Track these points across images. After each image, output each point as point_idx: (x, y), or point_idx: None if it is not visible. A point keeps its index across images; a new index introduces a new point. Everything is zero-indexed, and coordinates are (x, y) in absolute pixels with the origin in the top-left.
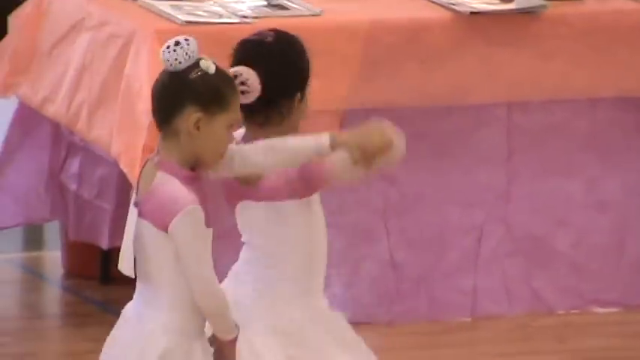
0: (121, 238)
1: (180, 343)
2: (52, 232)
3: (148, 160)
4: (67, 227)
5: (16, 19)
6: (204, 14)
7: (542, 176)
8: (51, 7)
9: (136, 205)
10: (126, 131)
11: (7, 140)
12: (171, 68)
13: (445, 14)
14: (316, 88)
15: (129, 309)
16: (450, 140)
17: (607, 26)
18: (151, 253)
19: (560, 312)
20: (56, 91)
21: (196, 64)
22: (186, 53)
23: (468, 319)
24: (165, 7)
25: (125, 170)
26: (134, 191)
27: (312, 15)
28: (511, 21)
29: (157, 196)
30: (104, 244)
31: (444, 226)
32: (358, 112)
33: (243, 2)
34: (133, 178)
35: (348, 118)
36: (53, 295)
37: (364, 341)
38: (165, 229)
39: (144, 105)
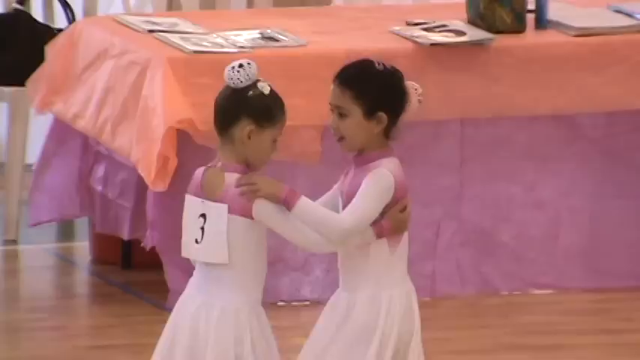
0: (140, 230)
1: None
2: (82, 226)
3: (207, 168)
4: (94, 222)
5: (51, 49)
6: (209, 45)
7: (489, 180)
8: (81, 38)
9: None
10: (143, 142)
11: (44, 149)
12: (233, 85)
13: (409, 45)
14: (302, 106)
15: (187, 291)
16: (412, 150)
17: (543, 55)
18: (231, 240)
19: (504, 293)
20: (85, 109)
21: (254, 85)
22: (247, 75)
23: (428, 299)
24: (176, 39)
25: (142, 174)
26: (198, 194)
27: (299, 45)
28: (464, 51)
29: (232, 192)
30: (125, 235)
31: None
32: None
33: (240, 35)
34: (149, 180)
35: (327, 131)
36: (82, 279)
37: None
38: (246, 216)
39: (158, 120)
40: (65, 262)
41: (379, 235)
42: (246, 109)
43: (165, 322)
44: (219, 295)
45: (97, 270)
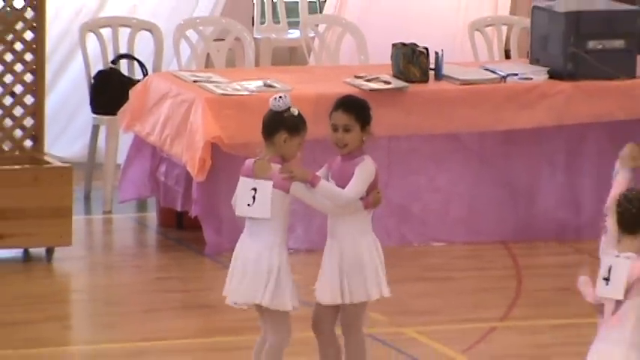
0: (188, 205)
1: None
2: (151, 202)
3: (256, 159)
4: (159, 199)
5: (133, 92)
6: (230, 89)
7: (406, 175)
8: (151, 85)
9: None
10: (190, 150)
11: (128, 154)
12: (275, 109)
13: (356, 90)
14: None
15: (243, 237)
16: None
17: (440, 97)
18: (272, 204)
19: (415, 245)
20: (154, 129)
21: (288, 109)
22: (285, 103)
23: None
24: (211, 86)
25: (189, 170)
26: (249, 176)
27: (287, 90)
28: (390, 94)
29: (277, 174)
30: (178, 208)
31: None
32: (312, 141)
33: (251, 83)
34: (194, 174)
35: (305, 145)
36: (152, 236)
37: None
38: (287, 191)
39: (199, 136)
40: (141, 225)
41: (365, 207)
42: (283, 124)
43: (203, 264)
44: (263, 237)
45: (161, 230)
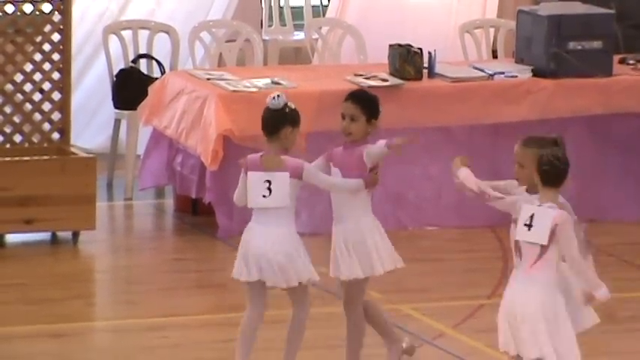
0: (202, 192)
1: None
2: (169, 190)
3: (261, 155)
4: (176, 187)
5: (151, 89)
6: (241, 86)
7: (402, 164)
8: (168, 83)
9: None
10: (203, 142)
11: (147, 146)
12: (273, 107)
13: (356, 87)
14: None
15: (253, 226)
16: None
17: (432, 93)
18: (284, 194)
19: (410, 228)
20: (171, 123)
21: (286, 105)
22: (282, 100)
23: None
24: (223, 83)
25: (203, 160)
26: (259, 170)
27: (292, 87)
28: (387, 90)
29: (290, 165)
30: (193, 195)
31: None
32: (315, 133)
33: (259, 81)
34: (207, 164)
35: (310, 136)
36: (169, 220)
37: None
38: (296, 178)
39: (212, 130)
40: (159, 211)
41: (366, 187)
42: (286, 119)
43: (216, 246)
44: (278, 224)
45: (177, 215)
